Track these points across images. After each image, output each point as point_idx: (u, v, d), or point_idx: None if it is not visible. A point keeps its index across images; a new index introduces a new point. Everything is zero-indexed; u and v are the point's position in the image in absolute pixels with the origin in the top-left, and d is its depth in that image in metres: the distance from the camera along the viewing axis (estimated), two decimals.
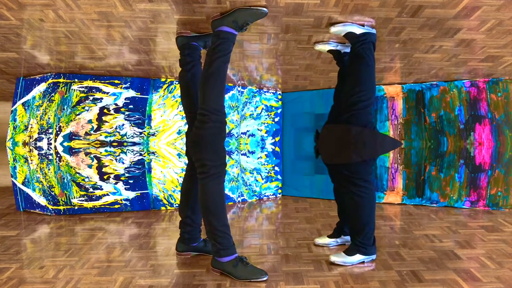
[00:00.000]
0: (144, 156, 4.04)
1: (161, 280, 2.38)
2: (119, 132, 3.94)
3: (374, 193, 2.66)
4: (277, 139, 4.80)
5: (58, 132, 3.80)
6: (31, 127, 3.84)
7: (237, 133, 4.49)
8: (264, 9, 2.32)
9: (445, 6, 2.29)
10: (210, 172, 2.37)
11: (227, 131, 4.39)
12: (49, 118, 3.79)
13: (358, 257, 2.58)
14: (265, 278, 2.35)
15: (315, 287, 2.27)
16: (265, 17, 2.38)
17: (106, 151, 3.92)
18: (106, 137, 3.91)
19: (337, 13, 2.39)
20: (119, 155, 3.96)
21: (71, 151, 3.83)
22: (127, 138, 3.97)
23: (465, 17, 2.44)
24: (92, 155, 3.89)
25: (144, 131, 4.03)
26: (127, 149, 3.98)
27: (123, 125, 3.96)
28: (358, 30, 2.53)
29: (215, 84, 2.33)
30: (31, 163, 3.86)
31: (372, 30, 2.57)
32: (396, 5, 2.31)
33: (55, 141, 3.78)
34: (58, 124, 3.80)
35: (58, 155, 3.80)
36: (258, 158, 4.69)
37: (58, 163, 3.81)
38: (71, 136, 3.83)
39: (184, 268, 2.55)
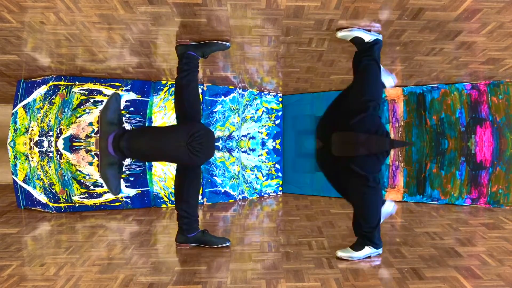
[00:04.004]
0: None
1: (162, 277, 2.38)
2: None
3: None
4: (277, 141, 4.80)
5: (59, 135, 3.80)
6: (32, 130, 3.84)
7: (237, 135, 4.49)
8: (227, 43, 2.81)
9: (446, 8, 2.29)
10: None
11: (228, 133, 4.40)
12: (49, 121, 3.79)
13: (365, 251, 2.61)
14: (228, 244, 2.83)
15: (316, 284, 2.27)
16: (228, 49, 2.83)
17: None
18: None
19: (338, 15, 2.40)
20: None
21: (71, 148, 3.83)
22: None
23: (466, 20, 2.44)
24: (92, 153, 3.89)
25: None
26: None
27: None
28: (365, 36, 2.54)
29: (194, 98, 2.72)
30: (32, 160, 3.86)
31: (378, 35, 2.58)
32: (396, 8, 2.31)
33: (55, 143, 3.78)
34: (59, 126, 3.80)
35: (59, 153, 3.80)
36: (259, 155, 4.69)
37: (59, 161, 3.81)
38: (71, 139, 3.83)
39: (185, 266, 2.55)
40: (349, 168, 2.59)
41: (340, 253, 2.64)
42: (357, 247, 2.64)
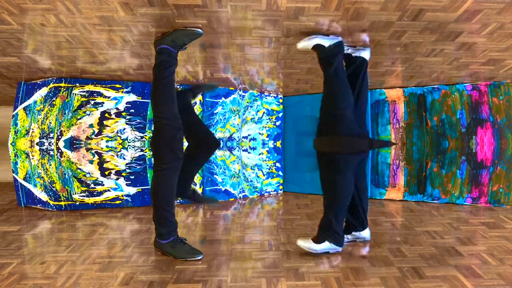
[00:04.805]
0: (145, 152, 4.04)
1: (162, 276, 2.38)
2: (120, 137, 3.94)
3: (352, 184, 2.73)
4: (278, 142, 4.80)
5: (59, 137, 3.80)
6: (32, 132, 3.84)
7: (238, 137, 4.49)
8: (199, 30, 2.53)
9: (446, 9, 2.29)
10: (164, 166, 2.61)
11: (228, 134, 4.39)
12: (50, 123, 3.80)
13: (324, 245, 2.65)
14: (199, 257, 2.59)
15: (316, 283, 2.26)
16: (200, 36, 2.56)
17: (107, 146, 3.92)
18: (107, 141, 3.91)
19: (338, 16, 2.40)
20: (120, 150, 3.96)
21: (72, 146, 3.84)
22: (128, 142, 3.97)
23: (466, 21, 2.44)
24: (93, 151, 3.89)
25: (145, 135, 4.03)
26: (128, 145, 3.98)
27: (124, 129, 3.96)
28: (325, 42, 2.57)
29: (164, 95, 2.55)
30: (32, 158, 3.86)
31: (338, 38, 2.60)
32: (397, 9, 2.31)
33: (56, 145, 3.78)
34: (59, 128, 3.80)
35: (59, 151, 3.80)
36: (260, 154, 4.69)
37: (59, 159, 3.81)
38: (72, 141, 3.83)
39: (186, 264, 2.54)
40: (328, 166, 2.72)
41: (300, 242, 2.69)
42: (318, 240, 2.68)
